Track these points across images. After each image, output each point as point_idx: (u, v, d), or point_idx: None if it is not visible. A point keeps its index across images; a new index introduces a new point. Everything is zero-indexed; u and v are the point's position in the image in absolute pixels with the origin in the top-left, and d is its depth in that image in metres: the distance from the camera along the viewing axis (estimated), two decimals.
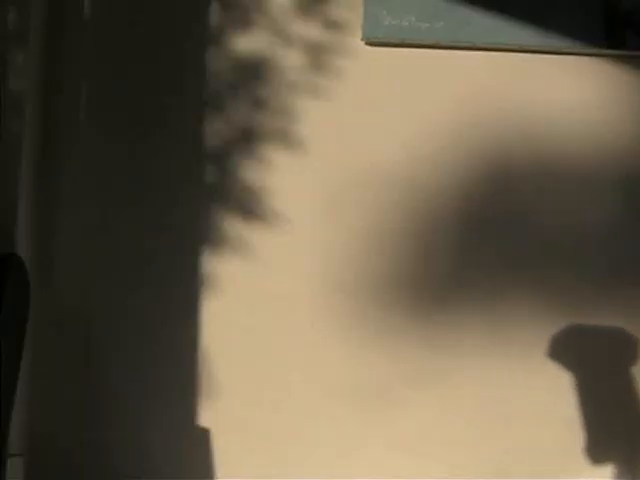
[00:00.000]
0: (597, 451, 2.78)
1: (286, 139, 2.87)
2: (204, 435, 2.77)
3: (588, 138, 2.89)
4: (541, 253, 2.86)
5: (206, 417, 2.79)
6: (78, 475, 2.71)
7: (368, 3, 2.86)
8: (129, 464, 2.76)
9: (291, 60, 2.89)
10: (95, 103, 2.89)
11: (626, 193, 2.89)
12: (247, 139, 2.88)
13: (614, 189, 2.88)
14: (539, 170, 2.88)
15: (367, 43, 2.88)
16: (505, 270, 2.85)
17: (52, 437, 2.74)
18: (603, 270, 2.86)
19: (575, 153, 2.88)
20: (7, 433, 2.46)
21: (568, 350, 2.83)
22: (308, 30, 2.89)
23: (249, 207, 2.86)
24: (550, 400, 2.79)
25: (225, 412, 2.78)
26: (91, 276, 2.84)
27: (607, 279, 2.85)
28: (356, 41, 2.88)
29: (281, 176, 2.86)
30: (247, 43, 2.90)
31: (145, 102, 2.89)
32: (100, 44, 2.90)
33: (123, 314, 2.82)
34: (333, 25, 2.89)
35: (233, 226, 2.85)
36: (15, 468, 2.59)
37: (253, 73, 2.90)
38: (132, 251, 2.85)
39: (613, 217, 2.88)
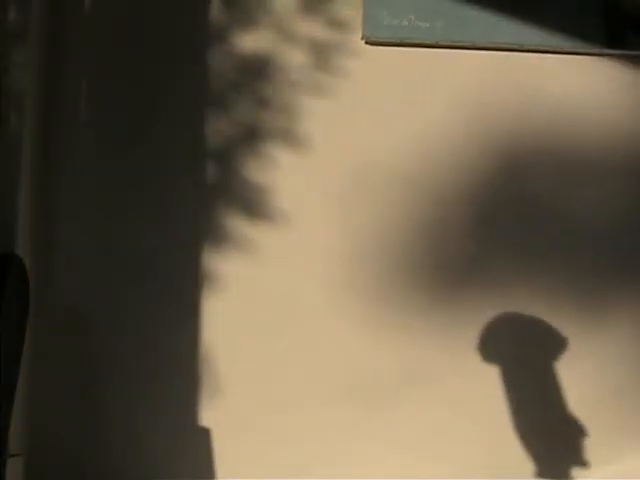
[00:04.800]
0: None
1: (289, 137, 2.87)
2: (205, 435, 2.77)
3: (588, 138, 2.89)
4: (556, 244, 2.87)
5: (207, 417, 2.79)
6: (78, 475, 2.71)
7: (368, 3, 2.87)
8: (129, 464, 2.76)
9: (294, 59, 2.88)
10: (96, 102, 2.89)
11: (624, 194, 2.90)
12: (250, 137, 2.88)
13: (613, 188, 2.89)
14: (537, 169, 2.89)
15: (367, 42, 2.88)
16: (518, 264, 2.85)
17: (52, 437, 2.74)
18: (617, 260, 2.86)
19: (574, 153, 2.89)
20: (7, 433, 2.46)
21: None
22: (311, 29, 2.89)
23: (252, 205, 2.86)
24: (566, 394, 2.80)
25: (226, 412, 2.78)
26: (91, 275, 2.83)
27: (621, 270, 2.86)
28: (356, 40, 2.89)
29: (284, 174, 2.86)
30: (250, 42, 2.90)
31: (147, 101, 2.88)
32: (101, 43, 2.89)
33: (123, 313, 2.82)
34: (336, 24, 2.90)
35: (236, 225, 2.85)
36: (15, 468, 2.58)
37: (256, 72, 2.90)
38: (133, 250, 2.84)
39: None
